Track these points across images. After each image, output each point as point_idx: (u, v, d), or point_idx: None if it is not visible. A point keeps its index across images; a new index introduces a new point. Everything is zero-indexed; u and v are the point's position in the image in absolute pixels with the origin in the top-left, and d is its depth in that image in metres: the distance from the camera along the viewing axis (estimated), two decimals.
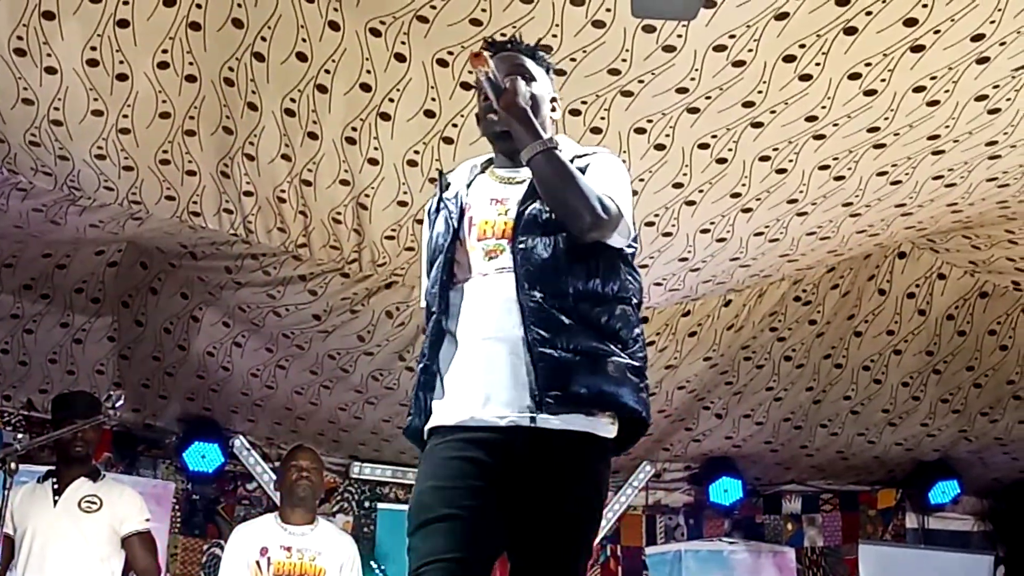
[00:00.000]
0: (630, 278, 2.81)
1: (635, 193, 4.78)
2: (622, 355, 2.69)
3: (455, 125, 4.45)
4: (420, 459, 2.73)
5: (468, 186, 2.91)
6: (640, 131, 4.45)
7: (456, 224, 2.81)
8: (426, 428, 2.73)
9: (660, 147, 4.52)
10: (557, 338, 2.63)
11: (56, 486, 5.03)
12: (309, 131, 4.55)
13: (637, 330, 2.77)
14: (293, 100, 4.40)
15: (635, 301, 2.81)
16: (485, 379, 2.66)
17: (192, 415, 6.80)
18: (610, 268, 2.76)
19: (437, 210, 2.91)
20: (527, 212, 2.75)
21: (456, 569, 2.56)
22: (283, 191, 4.93)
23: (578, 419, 2.63)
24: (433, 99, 4.33)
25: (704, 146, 4.53)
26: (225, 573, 5.31)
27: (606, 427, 2.69)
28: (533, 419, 2.60)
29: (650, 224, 5.07)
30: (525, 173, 2.81)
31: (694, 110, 4.32)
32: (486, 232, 2.79)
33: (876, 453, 7.49)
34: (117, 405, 4.40)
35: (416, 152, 4.63)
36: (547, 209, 2.73)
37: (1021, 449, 7.32)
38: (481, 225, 2.81)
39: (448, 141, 4.54)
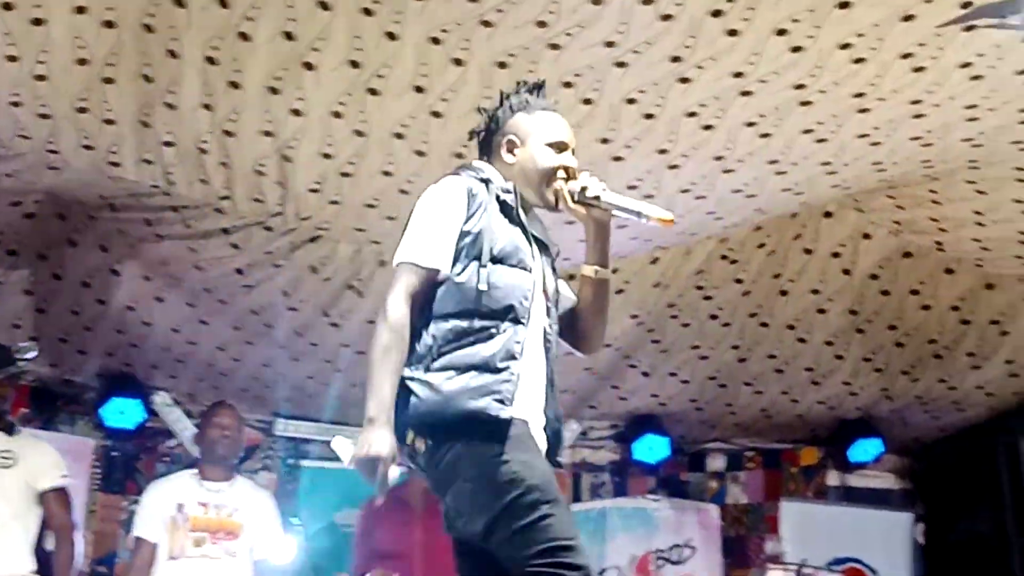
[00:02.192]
0: None
1: None
2: None
3: (381, 76, 4.38)
4: (504, 439, 2.82)
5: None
6: (567, 85, 4.41)
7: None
8: (508, 415, 2.83)
9: (587, 101, 4.49)
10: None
11: None
12: (231, 80, 4.45)
13: None
14: (215, 48, 4.29)
15: None
16: (537, 395, 2.96)
17: (112, 371, 6.68)
18: None
19: (502, 205, 3.04)
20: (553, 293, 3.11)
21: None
22: (204, 142, 4.83)
23: None
24: (358, 49, 4.25)
25: (631, 101, 4.51)
26: (140, 529, 5.26)
27: None
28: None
29: None
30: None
31: (622, 64, 4.28)
32: (545, 289, 3.06)
33: (799, 411, 7.55)
34: (28, 356, 4.31)
35: (341, 104, 4.56)
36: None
37: (941, 408, 7.42)
38: (541, 281, 3.05)
39: (374, 92, 4.47)
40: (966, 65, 4.22)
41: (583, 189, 3.03)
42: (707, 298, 6.50)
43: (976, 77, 4.29)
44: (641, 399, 7.45)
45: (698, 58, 4.23)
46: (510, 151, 3.14)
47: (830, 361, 6.97)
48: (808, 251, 6.21)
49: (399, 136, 4.74)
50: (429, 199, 3.03)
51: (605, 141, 4.76)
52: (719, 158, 4.92)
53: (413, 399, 2.83)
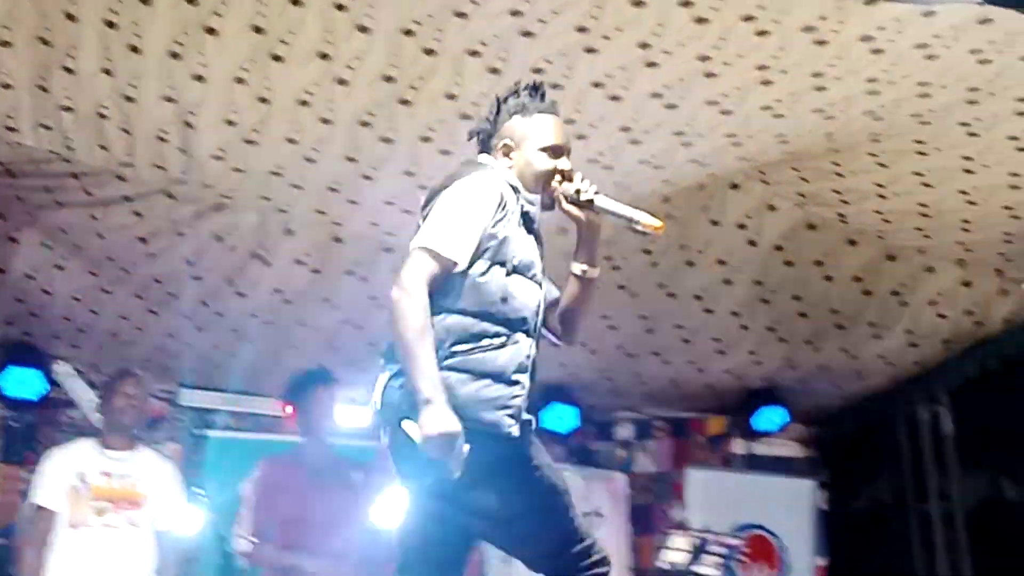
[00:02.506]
0: None
1: (468, 118, 4.75)
2: None
3: (285, 42, 4.33)
4: (529, 444, 3.03)
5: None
6: (474, 54, 4.40)
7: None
8: (517, 432, 2.97)
9: (494, 71, 4.47)
10: None
11: None
12: (131, 44, 4.36)
13: None
14: (114, 11, 4.20)
15: None
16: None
17: (11, 340, 6.56)
18: None
19: (525, 216, 3.15)
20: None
21: None
22: (104, 107, 4.73)
23: None
24: (262, 15, 4.19)
25: (538, 71, 4.48)
26: (40, 498, 5.18)
27: None
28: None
29: None
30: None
31: (528, 34, 4.27)
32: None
33: (706, 381, 7.63)
34: None
35: (244, 70, 4.49)
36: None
37: (843, 378, 7.54)
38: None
39: (278, 59, 4.41)
40: (867, 38, 4.26)
41: (577, 192, 3.17)
42: (615, 268, 6.51)
43: (877, 51, 4.33)
44: (550, 369, 7.41)
45: (603, 29, 4.23)
46: (506, 155, 3.24)
47: (736, 331, 7.04)
48: (715, 223, 6.24)
49: (304, 103, 4.68)
50: (463, 192, 3.07)
51: None
52: (626, 129, 4.92)
53: None
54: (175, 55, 4.41)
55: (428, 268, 2.94)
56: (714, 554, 6.20)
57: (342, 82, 4.54)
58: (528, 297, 3.08)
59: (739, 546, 6.42)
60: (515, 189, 3.15)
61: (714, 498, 7.68)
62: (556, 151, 3.26)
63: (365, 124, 4.81)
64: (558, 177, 3.23)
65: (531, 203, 3.19)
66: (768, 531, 7.79)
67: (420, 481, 2.98)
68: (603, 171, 5.28)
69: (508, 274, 3.04)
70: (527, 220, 3.16)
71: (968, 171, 5.26)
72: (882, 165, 5.42)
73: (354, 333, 6.71)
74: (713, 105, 4.74)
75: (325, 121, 4.80)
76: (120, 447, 5.31)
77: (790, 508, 7.90)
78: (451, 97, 4.64)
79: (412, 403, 2.82)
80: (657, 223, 3.16)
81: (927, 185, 5.48)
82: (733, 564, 6.51)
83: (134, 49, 4.38)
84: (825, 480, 8.16)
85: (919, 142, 5.14)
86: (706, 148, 5.20)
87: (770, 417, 7.85)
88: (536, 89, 3.35)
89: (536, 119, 3.28)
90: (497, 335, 2.97)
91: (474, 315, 2.97)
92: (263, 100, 4.66)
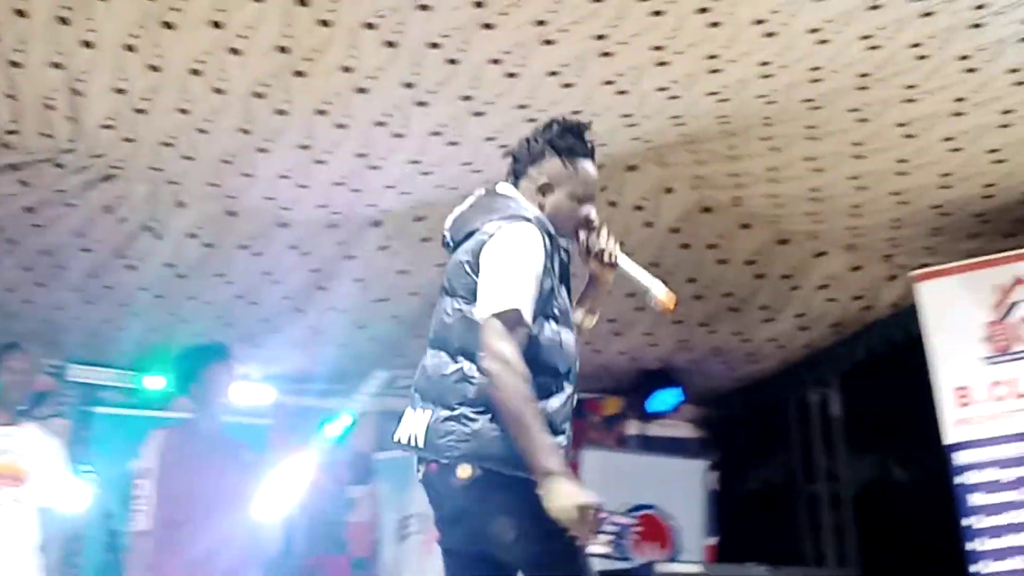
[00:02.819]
0: None
1: (364, 91, 4.72)
2: None
3: (176, 9, 4.23)
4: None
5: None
6: (369, 26, 4.35)
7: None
8: None
9: (390, 44, 4.44)
10: None
11: None
12: (16, 8, 4.23)
13: None
14: None
15: None
16: None
17: None
18: None
19: (561, 263, 3.14)
20: None
21: None
22: None
23: None
24: None
25: (434, 45, 4.47)
26: None
27: None
28: None
29: (381, 124, 4.99)
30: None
31: (424, 7, 4.24)
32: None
33: (602, 362, 7.69)
34: None
35: (134, 36, 4.39)
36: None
37: (736, 360, 7.65)
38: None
39: (168, 26, 4.32)
40: (760, 22, 4.31)
41: (602, 251, 3.28)
42: None
43: (770, 34, 4.39)
44: None
45: (500, 5, 4.22)
46: (542, 192, 3.25)
47: (631, 313, 7.09)
48: (613, 204, 6.27)
49: (196, 72, 4.59)
50: (518, 247, 3.05)
51: (409, 86, 4.72)
52: (522, 107, 4.92)
53: (481, 439, 2.93)
54: (63, 20, 4.29)
55: (516, 335, 2.93)
56: (606, 533, 6.25)
57: (235, 52, 4.46)
58: (570, 346, 3.13)
59: (631, 525, 6.49)
60: (551, 236, 3.14)
61: (608, 478, 7.71)
62: (591, 200, 3.30)
63: (259, 95, 4.75)
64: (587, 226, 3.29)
65: (567, 251, 3.21)
66: (660, 511, 7.86)
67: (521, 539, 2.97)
68: (499, 150, 5.24)
69: (555, 326, 3.07)
70: (563, 268, 3.17)
71: (857, 156, 5.35)
72: (775, 149, 5.49)
73: (248, 308, 6.64)
74: (609, 85, 4.76)
75: (218, 91, 4.72)
76: (3, 422, 5.19)
77: (682, 489, 7.98)
78: (347, 70, 4.59)
79: (503, 456, 2.89)
80: (669, 302, 3.30)
81: (818, 170, 5.57)
82: (625, 543, 6.58)
83: (20, 13, 4.25)
84: (716, 461, 8.27)
85: (810, 127, 5.22)
86: (602, 128, 5.16)
87: (664, 398, 7.95)
88: (583, 130, 3.36)
89: (580, 164, 3.29)
90: (546, 385, 3.00)
91: (528, 367, 2.96)
92: (154, 68, 4.56)
